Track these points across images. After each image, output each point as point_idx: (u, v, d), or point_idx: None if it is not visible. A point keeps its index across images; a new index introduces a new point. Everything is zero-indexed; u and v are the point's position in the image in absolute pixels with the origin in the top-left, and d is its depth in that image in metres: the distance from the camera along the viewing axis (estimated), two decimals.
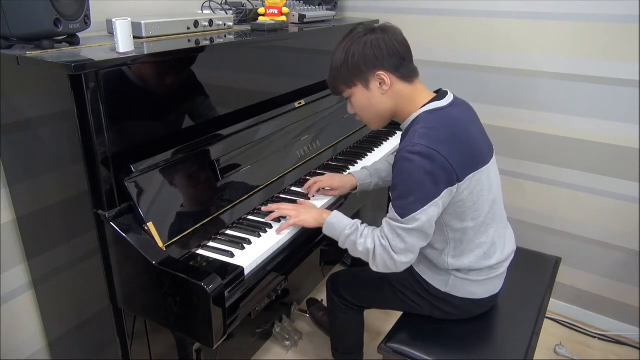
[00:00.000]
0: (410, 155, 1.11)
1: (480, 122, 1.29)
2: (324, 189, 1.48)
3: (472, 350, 1.27)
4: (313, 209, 1.33)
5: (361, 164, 1.76)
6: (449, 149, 1.11)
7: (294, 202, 1.43)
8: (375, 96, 1.21)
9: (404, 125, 1.24)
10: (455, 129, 1.17)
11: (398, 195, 1.13)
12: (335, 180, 1.49)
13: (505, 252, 1.31)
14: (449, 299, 1.31)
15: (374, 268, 1.21)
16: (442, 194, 1.11)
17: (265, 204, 1.42)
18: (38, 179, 1.23)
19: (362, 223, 1.24)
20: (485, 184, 1.20)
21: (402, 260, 1.15)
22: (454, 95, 1.24)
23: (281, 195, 1.49)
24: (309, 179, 1.52)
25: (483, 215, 1.22)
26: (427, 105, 1.19)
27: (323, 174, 1.54)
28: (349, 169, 1.70)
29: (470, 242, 1.24)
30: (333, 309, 1.56)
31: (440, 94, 1.23)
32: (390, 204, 1.17)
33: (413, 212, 1.11)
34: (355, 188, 1.52)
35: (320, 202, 1.46)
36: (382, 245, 1.16)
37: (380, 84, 1.19)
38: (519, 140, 2.01)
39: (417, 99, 1.21)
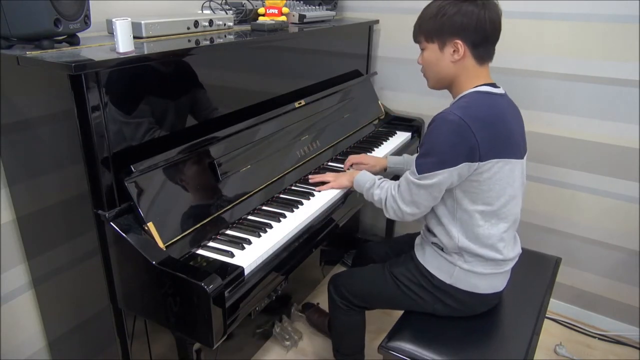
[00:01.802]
0: (442, 121, 1.17)
1: (522, 125, 1.33)
2: (357, 164, 1.68)
3: (472, 349, 1.27)
4: (348, 173, 1.57)
5: None
6: (481, 127, 1.15)
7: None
8: (444, 60, 1.25)
9: (452, 102, 1.28)
10: (495, 115, 1.20)
11: (422, 152, 1.23)
12: (367, 157, 1.72)
13: (512, 253, 1.32)
14: (452, 292, 1.32)
15: (386, 215, 1.36)
16: (460, 165, 1.17)
17: (268, 202, 1.43)
18: (38, 179, 1.23)
19: (381, 179, 1.41)
20: (508, 176, 1.22)
21: (406, 211, 1.28)
22: (506, 93, 1.29)
23: (281, 195, 1.49)
24: (308, 179, 1.56)
25: (496, 205, 1.23)
26: (479, 87, 1.24)
27: (320, 173, 1.57)
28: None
29: (479, 229, 1.25)
30: (334, 310, 1.55)
31: (494, 85, 1.27)
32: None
33: (427, 172, 1.19)
34: (385, 169, 1.68)
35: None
36: (392, 195, 1.31)
37: (454, 51, 1.23)
38: None
39: (476, 81, 1.25)
